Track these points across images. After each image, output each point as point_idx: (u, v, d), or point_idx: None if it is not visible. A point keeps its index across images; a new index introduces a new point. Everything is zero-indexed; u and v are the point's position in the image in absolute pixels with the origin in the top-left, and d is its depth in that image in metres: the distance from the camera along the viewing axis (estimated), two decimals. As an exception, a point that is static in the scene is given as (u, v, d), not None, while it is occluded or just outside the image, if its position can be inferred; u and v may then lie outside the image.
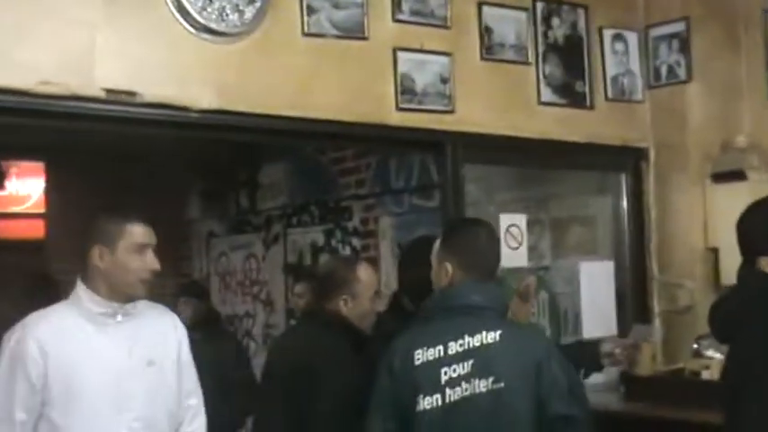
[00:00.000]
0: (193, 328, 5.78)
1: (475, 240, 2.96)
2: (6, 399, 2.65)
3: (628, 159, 4.73)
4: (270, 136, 3.73)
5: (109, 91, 3.18)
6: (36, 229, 8.18)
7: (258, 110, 3.51)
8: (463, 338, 2.74)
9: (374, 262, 5.81)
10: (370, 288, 3.46)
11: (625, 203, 4.82)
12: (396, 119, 3.88)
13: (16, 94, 3.02)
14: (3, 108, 3.03)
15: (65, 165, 7.39)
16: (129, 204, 6.92)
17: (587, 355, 3.51)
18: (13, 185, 8.99)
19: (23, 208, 8.97)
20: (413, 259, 3.38)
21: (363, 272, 3.47)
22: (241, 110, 3.48)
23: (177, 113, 3.34)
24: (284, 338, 4.33)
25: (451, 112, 4.04)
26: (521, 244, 4.36)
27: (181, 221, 7.74)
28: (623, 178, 4.78)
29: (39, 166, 8.11)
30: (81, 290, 2.78)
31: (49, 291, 5.53)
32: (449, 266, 2.87)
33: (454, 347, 2.75)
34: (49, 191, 7.89)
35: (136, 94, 3.24)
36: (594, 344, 3.66)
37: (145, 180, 7.31)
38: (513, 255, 4.32)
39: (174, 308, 5.96)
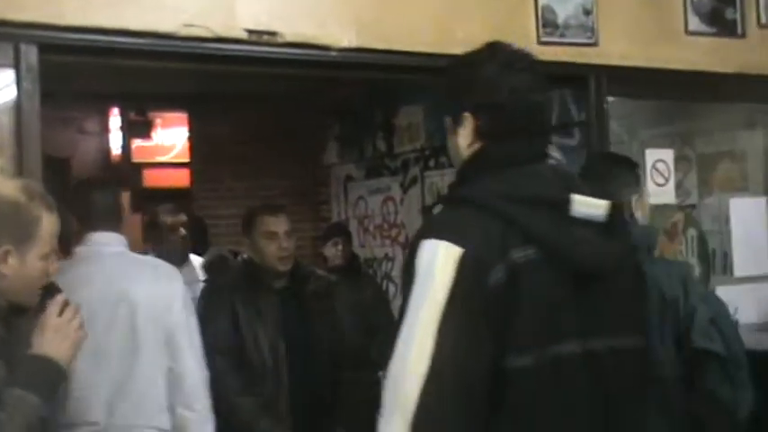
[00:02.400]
0: (335, 270, 5.95)
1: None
2: None
3: (783, 90, 4.49)
4: (410, 74, 3.69)
5: (251, 32, 3.21)
6: (182, 179, 8.42)
7: (398, 47, 3.49)
8: None
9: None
10: None
11: (778, 137, 4.60)
12: (537, 52, 3.74)
13: (161, 37, 3.08)
14: (149, 51, 3.09)
15: (206, 114, 7.55)
16: (267, 152, 7.13)
17: None
18: (159, 136, 9.28)
19: (169, 157, 9.25)
20: None
21: None
22: (381, 47, 3.46)
23: (318, 53, 3.35)
24: None
25: (594, 44, 3.92)
26: (668, 180, 4.23)
27: (319, 166, 7.82)
28: (777, 110, 4.56)
29: (182, 115, 8.33)
30: None
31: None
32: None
33: None
34: (192, 140, 8.08)
35: (277, 33, 3.26)
36: None
37: (284, 126, 7.43)
38: (660, 191, 4.20)
39: (318, 251, 6.18)
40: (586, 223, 1.78)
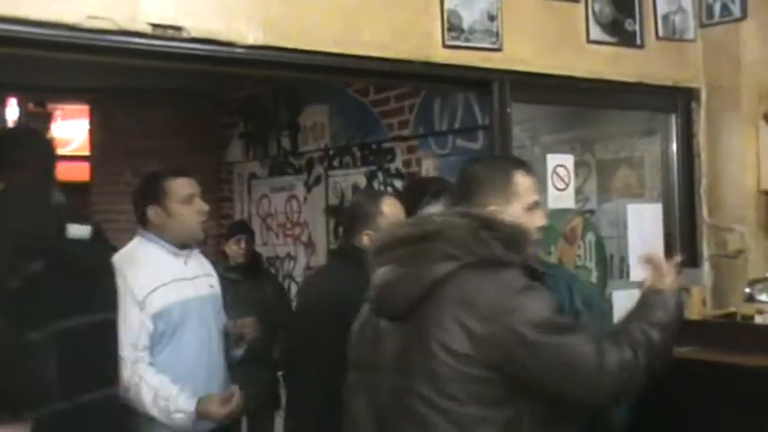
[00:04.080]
0: (235, 269, 5.90)
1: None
2: None
3: (678, 100, 4.62)
4: (316, 73, 3.67)
5: (155, 26, 3.14)
6: (81, 172, 8.24)
7: (304, 46, 3.45)
8: None
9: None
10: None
11: (675, 145, 4.71)
12: (442, 56, 3.81)
13: (65, 28, 2.98)
14: (52, 42, 3.00)
15: (108, 107, 7.40)
16: (171, 147, 7.03)
17: None
18: (59, 128, 9.06)
19: (69, 150, 9.05)
20: None
21: (387, 205, 3.42)
22: (287, 46, 3.42)
23: (223, 49, 3.30)
24: (313, 278, 4.30)
25: (499, 50, 3.95)
26: (568, 185, 4.30)
27: (222, 162, 7.74)
28: (673, 119, 4.67)
29: (83, 108, 8.14)
30: None
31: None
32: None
33: None
34: (92, 133, 7.91)
35: (182, 29, 3.19)
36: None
37: (187, 121, 7.33)
38: (560, 196, 4.26)
39: (219, 248, 6.12)
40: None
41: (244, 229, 6.20)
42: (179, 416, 3.17)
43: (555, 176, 4.30)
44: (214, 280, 3.62)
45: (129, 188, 7.27)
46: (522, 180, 2.57)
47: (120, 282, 3.09)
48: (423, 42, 3.77)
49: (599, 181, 5.06)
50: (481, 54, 3.92)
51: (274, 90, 7.05)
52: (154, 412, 3.16)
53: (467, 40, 3.87)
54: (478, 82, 4.06)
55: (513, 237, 2.22)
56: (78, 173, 8.25)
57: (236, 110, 7.66)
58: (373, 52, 3.62)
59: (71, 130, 9.01)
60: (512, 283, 2.14)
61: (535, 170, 2.72)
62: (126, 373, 3.11)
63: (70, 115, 8.94)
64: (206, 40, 3.26)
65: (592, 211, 4.93)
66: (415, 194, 3.63)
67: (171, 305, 3.30)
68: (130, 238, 3.48)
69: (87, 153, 8.09)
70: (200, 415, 3.19)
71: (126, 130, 7.23)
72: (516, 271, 2.17)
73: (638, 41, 4.41)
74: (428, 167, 5.84)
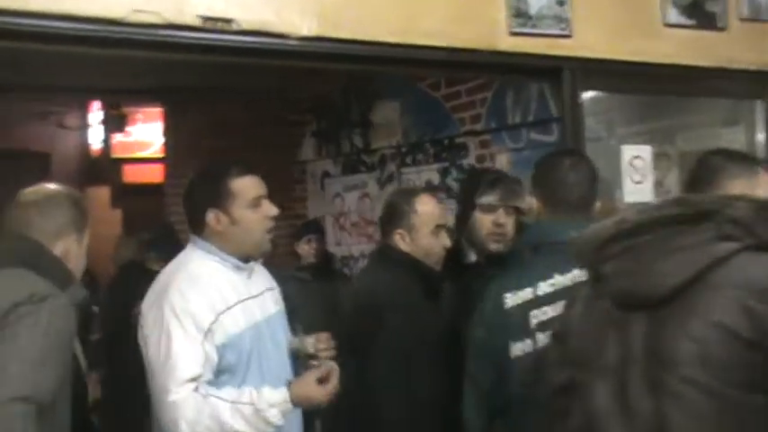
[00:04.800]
0: (306, 269, 5.82)
1: (555, 171, 2.76)
2: None
3: (764, 86, 4.35)
4: (373, 64, 3.52)
5: (204, 18, 3.04)
6: (156, 174, 8.29)
7: (360, 37, 3.31)
8: (553, 278, 2.56)
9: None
10: (429, 221, 3.24)
11: (761, 135, 4.45)
12: (508, 44, 3.64)
13: (109, 23, 2.90)
14: (95, 38, 2.92)
15: (181, 107, 7.39)
16: (243, 147, 6.99)
17: None
18: (138, 131, 9.16)
19: (149, 153, 9.13)
20: None
21: (421, 203, 3.25)
22: (342, 37, 3.29)
23: (275, 41, 3.18)
24: (356, 278, 4.19)
25: (568, 36, 3.77)
26: (645, 177, 4.08)
27: (295, 161, 7.66)
28: (758, 106, 4.41)
29: (158, 110, 8.17)
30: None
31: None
32: (534, 201, 2.71)
33: (544, 288, 2.56)
34: (166, 135, 7.93)
35: (232, 21, 3.08)
36: None
37: (258, 121, 7.27)
38: (637, 189, 4.06)
39: (291, 248, 6.06)
40: None
41: (315, 228, 6.11)
42: (273, 412, 2.61)
43: (631, 169, 4.10)
44: (278, 292, 3.07)
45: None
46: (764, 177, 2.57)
47: (174, 302, 2.65)
48: (487, 30, 3.60)
49: (681, 173, 4.81)
50: (549, 41, 3.74)
51: (345, 87, 6.95)
52: (239, 426, 2.58)
53: (534, 26, 3.70)
54: (547, 71, 3.87)
55: None
56: (153, 175, 8.31)
57: (307, 108, 7.58)
58: (433, 41, 3.46)
59: (150, 132, 9.07)
60: None
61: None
62: (168, 414, 2.58)
63: (150, 118, 8.99)
64: (257, 32, 3.14)
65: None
66: (470, 185, 3.49)
67: (242, 332, 2.73)
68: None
69: (161, 155, 8.12)
70: (298, 401, 2.67)
71: (198, 130, 7.19)
72: None
73: (720, 23, 4.16)
74: (502, 162, 5.66)
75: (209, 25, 3.05)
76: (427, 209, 3.24)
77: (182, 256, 2.88)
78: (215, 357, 2.65)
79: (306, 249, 5.93)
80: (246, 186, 2.85)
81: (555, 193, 2.72)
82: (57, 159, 9.59)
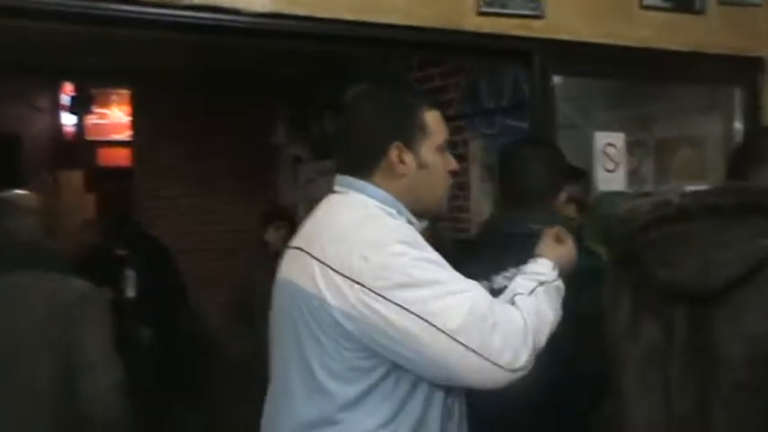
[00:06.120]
0: (279, 256, 5.66)
1: (513, 161, 2.66)
2: None
3: (742, 71, 4.19)
4: (331, 43, 3.35)
5: (152, -8, 2.88)
6: (124, 157, 8.11)
7: (317, 13, 3.15)
8: (509, 271, 2.43)
9: (463, 187, 5.46)
10: None
11: (738, 121, 4.31)
12: (475, 24, 3.48)
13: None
14: (38, 11, 2.76)
15: (149, 90, 7.21)
16: (213, 130, 6.82)
17: None
18: (115, 114, 8.97)
19: (124, 136, 8.94)
20: None
21: None
22: (298, 13, 3.13)
23: (227, 17, 3.02)
24: None
25: (540, 17, 3.61)
26: (618, 165, 3.95)
27: (267, 146, 7.49)
28: (736, 93, 4.27)
29: (127, 92, 7.99)
30: None
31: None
32: (497, 191, 2.61)
33: (500, 281, 2.43)
34: (134, 118, 7.74)
35: (181, -5, 2.93)
36: None
37: (229, 104, 7.10)
38: (610, 177, 3.93)
39: (261, 237, 5.91)
40: None
41: (283, 214, 5.95)
42: (554, 275, 2.15)
43: (604, 156, 3.96)
44: None
45: (172, 174, 7.17)
46: None
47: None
48: (452, 9, 3.44)
49: (657, 162, 4.68)
50: (520, 21, 3.58)
51: (316, 70, 6.78)
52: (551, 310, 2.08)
53: (503, 5, 3.54)
54: (517, 53, 3.71)
55: None
56: (121, 159, 8.13)
57: (278, 91, 7.39)
58: (395, 20, 3.30)
59: (121, 115, 8.88)
60: None
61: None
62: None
63: (125, 101, 8.82)
64: (208, 7, 2.98)
65: (649, 194, 4.56)
66: None
67: None
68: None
69: (130, 138, 7.94)
70: (559, 261, 2.19)
71: (168, 113, 7.02)
72: None
73: (698, 6, 4.01)
74: (474, 149, 5.51)
75: (155, -1, 2.89)
76: None
77: (354, 212, 2.05)
78: None
79: (275, 236, 5.77)
80: (440, 124, 2.16)
81: (512, 183, 2.63)
82: (28, 142, 9.37)
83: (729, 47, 4.10)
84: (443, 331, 1.87)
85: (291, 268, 2.05)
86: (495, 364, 1.88)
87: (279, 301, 2.10)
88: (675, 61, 3.98)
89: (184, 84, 6.84)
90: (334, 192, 2.14)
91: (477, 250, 2.62)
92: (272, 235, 5.77)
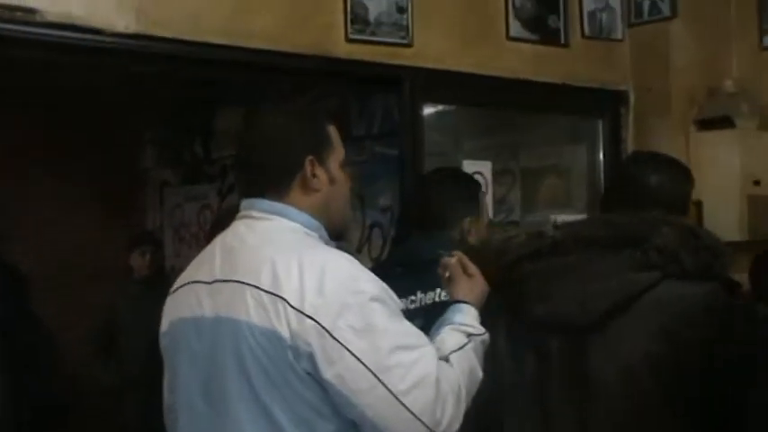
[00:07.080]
0: (143, 282, 5.52)
1: (422, 188, 2.86)
2: None
3: (605, 103, 4.32)
4: (198, 67, 3.27)
5: (2, 6, 2.74)
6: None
7: (184, 36, 3.07)
8: (415, 294, 2.48)
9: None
10: None
11: (602, 152, 4.42)
12: (345, 51, 3.47)
13: None
14: None
15: (6, 108, 6.90)
16: (78, 150, 6.58)
17: None
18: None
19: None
20: None
21: None
22: (164, 35, 3.04)
23: (87, 37, 2.90)
24: None
25: (409, 45, 3.63)
26: (485, 194, 3.98)
27: (133, 170, 7.27)
28: (600, 124, 4.38)
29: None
30: None
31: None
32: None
33: (405, 304, 2.41)
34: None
35: (36, 11, 2.79)
36: None
37: (96, 124, 6.86)
38: (477, 206, 3.94)
39: (126, 261, 5.74)
40: None
41: (148, 239, 5.81)
42: (482, 338, 2.04)
43: (472, 185, 3.98)
44: None
45: (29, 196, 6.84)
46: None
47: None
48: (323, 35, 3.42)
49: (524, 190, 4.75)
50: (389, 49, 3.59)
51: (187, 93, 6.64)
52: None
53: (373, 33, 3.54)
54: (387, 80, 3.72)
55: (718, 247, 2.02)
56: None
57: (147, 113, 7.20)
58: (265, 45, 3.26)
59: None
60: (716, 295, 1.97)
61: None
62: None
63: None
64: (66, 26, 2.86)
65: (515, 223, 4.63)
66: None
67: None
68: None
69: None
70: (476, 301, 2.11)
71: (26, 132, 6.72)
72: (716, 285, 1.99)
73: (563, 40, 4.11)
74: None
75: (6, 14, 2.75)
76: None
77: (286, 237, 1.94)
78: None
79: (140, 262, 5.65)
80: (338, 138, 2.06)
81: (418, 209, 2.74)
82: None
83: (594, 80, 4.22)
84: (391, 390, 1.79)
85: (228, 303, 1.90)
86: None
87: (210, 339, 1.94)
88: (542, 92, 4.06)
89: (45, 104, 6.57)
90: (249, 217, 1.99)
91: (385, 273, 2.60)
92: (136, 260, 5.65)
